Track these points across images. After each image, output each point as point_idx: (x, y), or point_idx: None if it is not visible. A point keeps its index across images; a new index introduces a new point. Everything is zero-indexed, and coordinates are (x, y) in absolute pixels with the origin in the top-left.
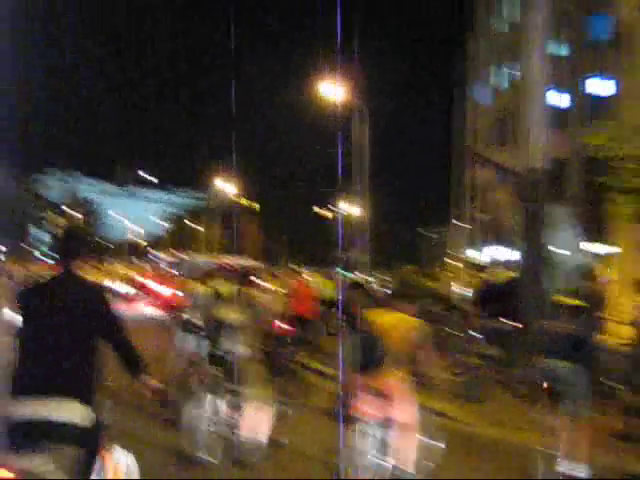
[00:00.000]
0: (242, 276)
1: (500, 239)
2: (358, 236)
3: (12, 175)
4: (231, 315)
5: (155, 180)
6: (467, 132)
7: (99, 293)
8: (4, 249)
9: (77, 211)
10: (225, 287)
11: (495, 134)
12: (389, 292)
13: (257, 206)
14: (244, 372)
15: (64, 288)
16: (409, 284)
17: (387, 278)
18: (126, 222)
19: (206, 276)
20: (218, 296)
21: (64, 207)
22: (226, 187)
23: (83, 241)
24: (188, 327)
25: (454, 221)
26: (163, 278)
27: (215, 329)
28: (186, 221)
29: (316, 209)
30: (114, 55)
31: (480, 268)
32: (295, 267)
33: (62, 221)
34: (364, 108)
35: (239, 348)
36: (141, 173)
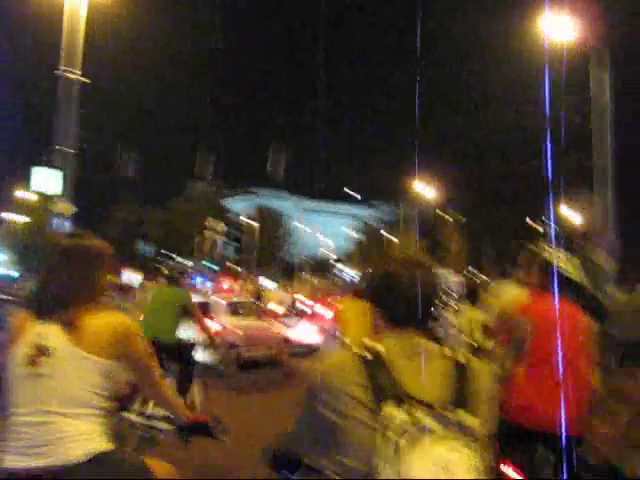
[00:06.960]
0: None
1: None
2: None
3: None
4: None
5: (357, 196)
6: None
7: None
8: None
9: (263, 226)
10: None
11: None
12: None
13: (461, 217)
14: None
15: None
16: None
17: None
18: (318, 236)
19: None
20: None
21: (248, 220)
22: (428, 197)
23: None
24: None
25: None
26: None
27: None
28: (383, 232)
29: (529, 221)
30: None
31: None
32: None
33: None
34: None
35: None
36: (344, 188)
